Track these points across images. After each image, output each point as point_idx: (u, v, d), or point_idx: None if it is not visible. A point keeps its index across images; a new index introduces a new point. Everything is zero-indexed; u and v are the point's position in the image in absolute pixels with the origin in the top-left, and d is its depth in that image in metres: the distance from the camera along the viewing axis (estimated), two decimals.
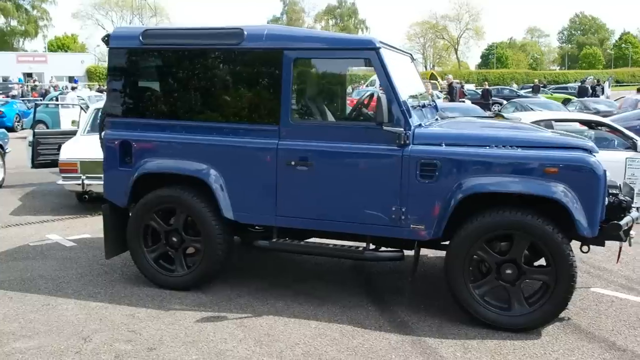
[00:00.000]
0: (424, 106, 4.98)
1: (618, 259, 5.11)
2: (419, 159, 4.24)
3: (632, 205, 4.56)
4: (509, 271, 4.15)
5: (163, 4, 67.16)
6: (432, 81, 23.78)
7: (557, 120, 8.01)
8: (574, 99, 23.61)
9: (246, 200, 4.65)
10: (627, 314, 4.52)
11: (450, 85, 19.33)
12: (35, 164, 8.67)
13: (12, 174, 10.14)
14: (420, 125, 4.46)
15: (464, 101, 18.22)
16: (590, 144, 4.32)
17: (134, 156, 4.89)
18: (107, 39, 5.01)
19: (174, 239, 4.86)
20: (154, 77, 4.94)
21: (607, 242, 4.37)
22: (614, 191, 4.53)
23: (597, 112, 16.81)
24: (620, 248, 4.90)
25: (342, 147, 4.41)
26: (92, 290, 4.86)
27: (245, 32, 4.64)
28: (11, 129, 18.10)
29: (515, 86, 43.01)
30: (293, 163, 4.49)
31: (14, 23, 59.86)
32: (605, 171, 3.99)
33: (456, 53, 77.16)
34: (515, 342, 3.98)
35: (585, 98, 22.54)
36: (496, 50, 79.20)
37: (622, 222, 4.12)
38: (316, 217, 4.55)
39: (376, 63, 4.34)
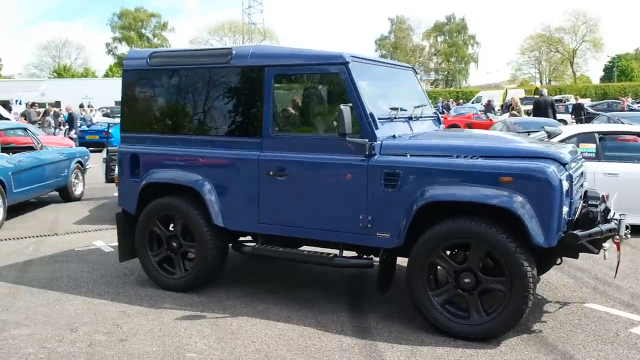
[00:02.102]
0: (410, 118, 5.08)
1: (615, 274, 4.95)
2: (383, 169, 4.36)
3: (615, 217, 4.41)
4: (467, 280, 4.15)
5: (273, 28, 69.42)
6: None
7: (601, 133, 7.69)
8: None
9: (234, 209, 4.98)
10: (607, 330, 4.34)
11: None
12: (108, 179, 9.52)
13: (91, 189, 11.16)
14: (394, 136, 4.57)
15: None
16: (563, 154, 4.24)
17: (142, 168, 5.38)
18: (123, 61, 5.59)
19: (174, 244, 5.27)
20: (157, 94, 5.41)
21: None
22: (594, 202, 4.39)
23: None
24: (618, 263, 4.74)
25: (313, 157, 4.63)
26: (102, 289, 5.37)
27: (234, 51, 5.01)
28: None
29: (630, 100, 40.30)
30: (272, 173, 4.76)
31: None
32: (561, 181, 3.91)
33: (571, 66, 73.56)
34: (467, 351, 3.98)
35: None
36: (620, 62, 74.61)
37: (580, 233, 4.01)
38: (292, 224, 4.78)
39: (345, 77, 4.53)
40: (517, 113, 18.37)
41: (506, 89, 34.30)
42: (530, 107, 20.14)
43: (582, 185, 4.79)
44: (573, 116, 22.49)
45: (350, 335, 4.27)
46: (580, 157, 5.10)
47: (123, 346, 4.11)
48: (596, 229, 4.15)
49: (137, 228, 5.40)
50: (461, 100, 42.49)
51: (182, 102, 5.27)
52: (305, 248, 5.13)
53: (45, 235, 7.65)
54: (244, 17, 67.52)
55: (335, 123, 4.59)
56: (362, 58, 4.85)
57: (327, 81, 4.86)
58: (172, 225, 5.33)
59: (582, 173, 4.85)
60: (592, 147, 7.39)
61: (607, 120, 16.43)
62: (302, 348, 4.05)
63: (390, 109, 4.85)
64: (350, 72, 4.51)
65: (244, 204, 4.94)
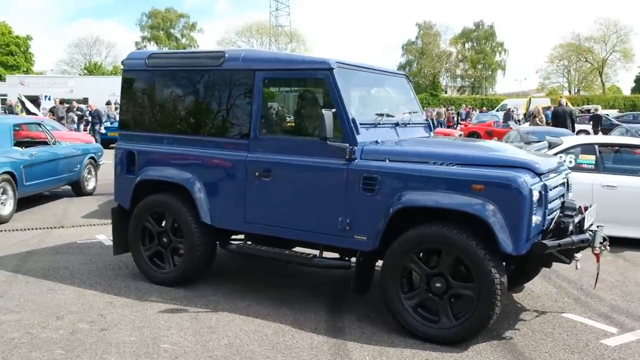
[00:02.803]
0: (397, 124, 5.17)
1: (595, 286, 5.00)
2: (362, 173, 4.47)
3: (591, 229, 4.46)
4: (438, 284, 4.24)
5: (300, 31, 69.75)
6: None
7: (601, 145, 7.69)
8: None
9: (222, 207, 5.13)
10: (578, 340, 4.39)
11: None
12: None
13: (104, 184, 11.43)
14: (376, 142, 4.68)
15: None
16: (539, 163, 4.30)
17: (137, 165, 5.56)
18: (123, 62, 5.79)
19: (165, 239, 5.44)
20: (153, 94, 5.58)
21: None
22: (569, 212, 4.45)
23: None
24: (597, 274, 4.79)
25: (297, 160, 4.76)
26: (95, 280, 5.56)
27: (226, 54, 5.17)
28: None
29: None
30: (257, 174, 4.90)
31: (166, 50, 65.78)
32: (531, 190, 3.97)
33: (600, 76, 72.51)
34: (433, 353, 4.07)
35: None
36: None
37: (549, 243, 4.07)
38: (276, 224, 4.92)
39: (329, 82, 4.64)
40: (539, 122, 18.32)
41: (530, 98, 33.97)
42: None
43: (562, 196, 4.83)
44: (593, 127, 22.25)
45: (323, 334, 4.38)
46: (565, 168, 5.15)
47: (103, 335, 4.28)
48: (567, 239, 4.21)
49: (130, 223, 5.58)
50: (484, 108, 42.27)
51: (177, 102, 5.44)
52: (288, 248, 5.24)
53: (51, 228, 7.90)
54: (270, 19, 67.97)
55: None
56: (350, 64, 4.96)
57: (313, 86, 4.98)
58: (163, 221, 5.49)
59: (564, 184, 4.89)
60: (591, 158, 7.40)
61: (625, 131, 16.27)
62: (274, 344, 4.17)
63: (376, 114, 4.96)
64: (334, 78, 4.62)
65: (231, 203, 5.08)
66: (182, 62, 5.46)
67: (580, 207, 4.60)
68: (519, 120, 27.38)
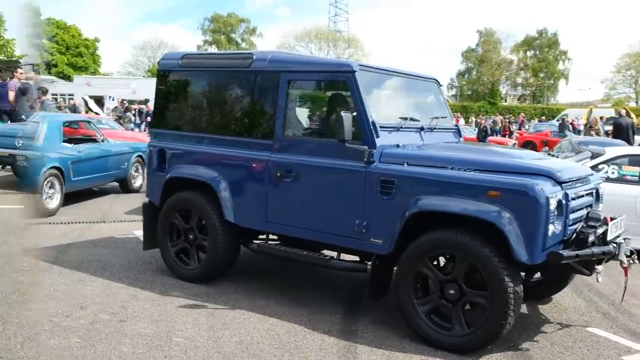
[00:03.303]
0: (422, 129, 5.12)
1: (622, 300, 4.83)
2: (380, 176, 4.46)
3: (615, 240, 4.31)
4: (451, 291, 4.17)
5: (358, 36, 69.65)
6: None
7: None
8: None
9: (245, 206, 5.20)
10: (598, 355, 4.24)
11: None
12: None
13: None
14: (397, 145, 4.65)
15: None
16: (560, 171, 4.19)
17: (167, 163, 5.71)
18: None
19: (191, 236, 5.56)
20: (185, 94, 5.74)
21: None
22: (592, 223, 4.30)
23: None
24: (625, 288, 4.63)
25: (317, 161, 4.78)
26: (124, 274, 5.73)
27: (254, 56, 5.25)
28: None
29: None
30: (279, 175, 4.95)
31: None
32: (548, 198, 3.86)
33: None
34: None
35: None
36: None
37: (565, 253, 3.93)
38: (295, 225, 4.95)
39: (351, 85, 4.65)
40: (595, 133, 17.84)
41: (591, 108, 33.02)
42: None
43: (590, 206, 4.67)
44: None
45: (335, 336, 4.37)
46: (596, 177, 4.98)
47: (120, 326, 4.41)
48: (586, 250, 4.07)
49: (159, 219, 5.73)
50: (544, 117, 41.33)
51: (206, 101, 5.57)
52: (311, 249, 5.23)
53: (93, 222, 8.18)
54: (329, 25, 68.26)
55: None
56: (373, 67, 4.95)
57: (335, 88, 4.98)
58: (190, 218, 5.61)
59: (593, 193, 4.73)
60: (635, 170, 7.12)
61: None
62: (284, 343, 4.20)
63: (400, 118, 4.93)
64: (356, 81, 4.62)
65: (253, 203, 5.15)
66: (212, 63, 5.59)
67: (605, 218, 4.43)
68: (579, 131, 26.64)
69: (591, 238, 4.13)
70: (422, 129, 5.14)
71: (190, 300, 5.04)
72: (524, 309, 5.18)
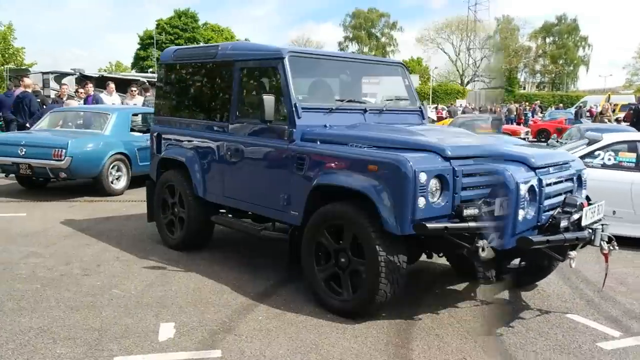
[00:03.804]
0: (365, 110, 5.40)
1: (603, 286, 4.91)
2: (296, 153, 4.86)
3: (591, 225, 4.35)
4: (342, 259, 4.47)
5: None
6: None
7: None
8: None
9: (210, 183, 5.83)
10: (573, 341, 4.23)
11: None
12: None
13: None
14: (325, 126, 5.00)
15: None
16: (446, 146, 4.31)
17: (162, 145, 6.50)
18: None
19: (175, 209, 6.31)
20: (174, 84, 6.49)
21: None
22: (568, 209, 4.37)
23: None
24: (606, 275, 4.75)
25: (253, 141, 5.29)
26: (128, 242, 6.63)
27: (219, 47, 5.85)
28: None
29: None
30: (229, 154, 5.52)
31: (365, 49, 68.17)
32: (415, 171, 4.02)
33: None
34: (344, 325, 4.33)
35: None
36: None
37: (534, 238, 4.05)
38: (240, 199, 5.50)
39: (281, 70, 5.07)
40: (607, 120, 17.47)
41: (609, 94, 30.09)
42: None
43: (571, 192, 4.71)
44: None
45: (248, 296, 4.85)
46: (577, 163, 5.02)
47: (81, 279, 5.26)
48: (558, 236, 4.16)
49: (155, 195, 6.54)
50: (561, 105, 39.26)
51: (188, 90, 6.28)
52: (246, 220, 5.76)
53: (143, 201, 9.25)
54: (469, 14, 66.48)
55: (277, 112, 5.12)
56: (308, 53, 5.34)
57: (271, 73, 5.37)
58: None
59: (574, 179, 4.80)
60: (632, 156, 6.72)
61: None
62: (198, 299, 4.77)
63: (337, 100, 5.27)
64: (284, 66, 5.03)
65: (216, 180, 5.76)
66: (191, 55, 6.27)
67: (581, 203, 4.44)
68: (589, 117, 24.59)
69: (564, 223, 4.21)
70: (365, 110, 5.40)
71: (157, 263, 5.77)
72: (505, 295, 5.22)
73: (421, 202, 4.08)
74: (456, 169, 4.26)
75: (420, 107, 5.99)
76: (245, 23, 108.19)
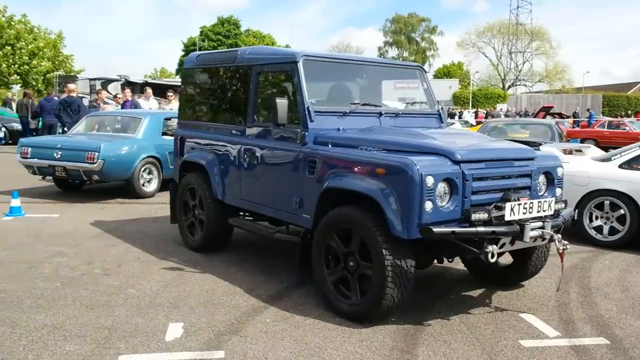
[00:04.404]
0: (380, 114, 5.38)
1: (558, 288, 4.78)
2: (307, 156, 4.88)
3: (521, 221, 4.26)
4: (351, 263, 4.46)
5: (545, 28, 65.50)
6: None
7: None
8: None
9: (229, 186, 5.91)
10: (497, 337, 4.24)
11: None
12: None
13: None
14: (338, 129, 5.01)
15: None
16: (455, 149, 4.26)
17: (184, 148, 6.62)
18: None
19: (196, 212, 6.40)
20: (196, 88, 6.62)
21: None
22: (501, 204, 4.30)
23: None
24: (562, 275, 4.60)
25: (268, 144, 5.34)
26: (151, 243, 6.77)
27: (238, 52, 5.93)
28: None
29: None
30: (246, 157, 5.58)
31: (405, 54, 67.86)
32: (422, 175, 3.99)
33: None
34: (327, 324, 4.33)
35: None
36: None
37: (436, 229, 3.99)
38: (256, 201, 5.56)
39: (295, 73, 5.10)
40: None
41: None
42: None
43: (527, 188, 4.62)
44: None
45: (261, 299, 4.89)
46: (545, 159, 4.91)
47: (100, 278, 5.39)
48: (469, 229, 4.09)
49: (178, 197, 6.65)
50: None
51: (209, 94, 6.38)
52: (262, 222, 5.81)
53: None
54: (510, 18, 65.42)
55: (292, 115, 5.15)
56: (322, 57, 5.36)
57: (286, 76, 5.39)
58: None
59: (532, 176, 4.66)
60: None
61: None
62: (208, 300, 4.83)
63: (352, 104, 5.27)
64: (298, 70, 5.06)
65: (234, 183, 5.83)
66: (213, 59, 6.36)
67: (516, 198, 4.35)
68: None
69: (478, 216, 4.13)
70: (380, 114, 5.39)
71: (175, 264, 5.87)
72: (471, 292, 5.25)
73: (428, 205, 4.04)
74: (466, 172, 4.21)
75: (438, 111, 5.94)
76: (287, 29, 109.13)
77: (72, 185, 10.70)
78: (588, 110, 40.74)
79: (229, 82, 6.05)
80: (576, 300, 5.05)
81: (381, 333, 4.23)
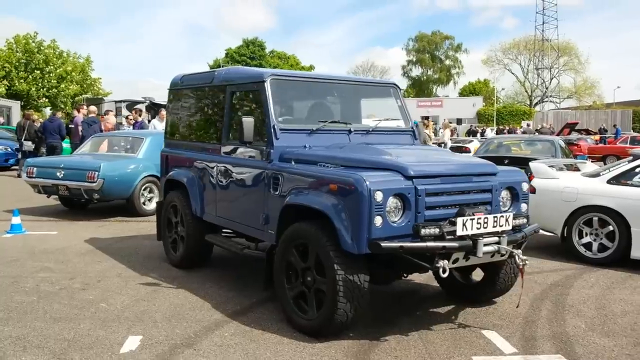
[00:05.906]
0: (350, 131, 5.46)
1: (518, 304, 4.78)
2: (272, 172, 4.97)
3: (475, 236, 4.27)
4: (309, 278, 4.52)
5: (572, 44, 64.80)
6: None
7: None
8: None
9: (207, 203, 6.03)
10: (452, 352, 4.23)
11: None
12: None
13: None
14: (304, 147, 5.09)
15: None
16: (408, 165, 4.31)
17: (169, 166, 6.78)
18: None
19: (178, 229, 6.53)
20: (179, 108, 6.76)
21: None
22: (454, 219, 4.32)
23: None
24: (521, 290, 4.58)
25: (238, 161, 5.47)
26: (137, 260, 6.92)
27: (215, 73, 6.08)
28: None
29: None
30: (220, 175, 5.70)
31: (429, 72, 67.90)
32: (371, 190, 4.04)
33: None
34: (291, 341, 4.38)
35: None
36: None
37: (383, 244, 4.02)
38: (229, 218, 5.66)
39: (262, 92, 5.22)
40: None
41: None
42: None
43: (488, 204, 4.63)
44: None
45: (225, 313, 4.97)
46: (507, 174, 4.90)
47: (77, 293, 5.53)
48: (418, 244, 4.11)
49: (161, 214, 6.80)
50: None
51: (189, 113, 6.53)
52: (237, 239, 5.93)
53: None
54: (536, 34, 64.96)
55: (259, 133, 5.26)
56: (290, 76, 5.46)
57: (255, 96, 5.49)
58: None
59: (494, 192, 4.67)
60: None
61: None
62: (173, 314, 4.92)
63: (320, 122, 5.36)
64: (265, 89, 5.18)
65: (210, 200, 5.95)
66: (193, 80, 6.52)
67: (470, 213, 4.36)
68: None
69: (427, 231, 4.16)
70: (349, 131, 5.46)
71: (154, 280, 5.99)
72: (440, 308, 5.25)
73: (378, 221, 4.09)
74: (419, 188, 4.25)
75: (412, 128, 5.99)
76: (312, 49, 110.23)
77: (78, 204, 10.96)
78: (614, 126, 40.15)
79: (208, 101, 6.20)
80: (545, 317, 5.01)
81: (334, 348, 4.26)
